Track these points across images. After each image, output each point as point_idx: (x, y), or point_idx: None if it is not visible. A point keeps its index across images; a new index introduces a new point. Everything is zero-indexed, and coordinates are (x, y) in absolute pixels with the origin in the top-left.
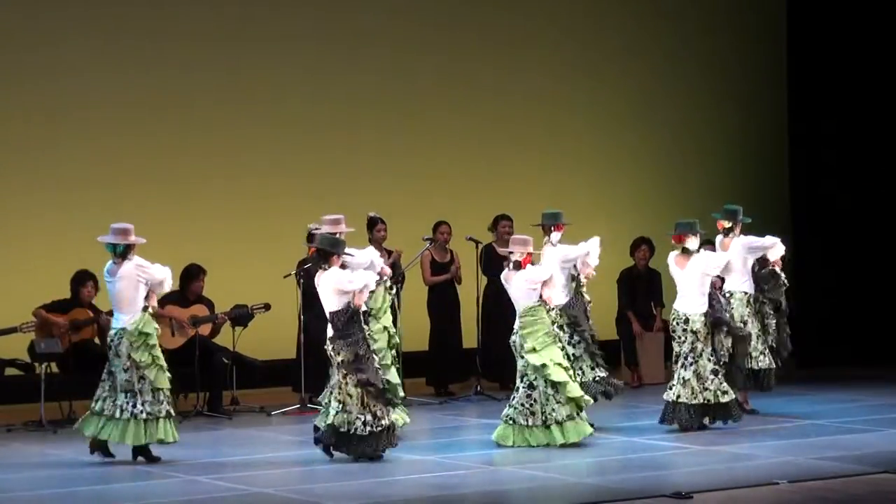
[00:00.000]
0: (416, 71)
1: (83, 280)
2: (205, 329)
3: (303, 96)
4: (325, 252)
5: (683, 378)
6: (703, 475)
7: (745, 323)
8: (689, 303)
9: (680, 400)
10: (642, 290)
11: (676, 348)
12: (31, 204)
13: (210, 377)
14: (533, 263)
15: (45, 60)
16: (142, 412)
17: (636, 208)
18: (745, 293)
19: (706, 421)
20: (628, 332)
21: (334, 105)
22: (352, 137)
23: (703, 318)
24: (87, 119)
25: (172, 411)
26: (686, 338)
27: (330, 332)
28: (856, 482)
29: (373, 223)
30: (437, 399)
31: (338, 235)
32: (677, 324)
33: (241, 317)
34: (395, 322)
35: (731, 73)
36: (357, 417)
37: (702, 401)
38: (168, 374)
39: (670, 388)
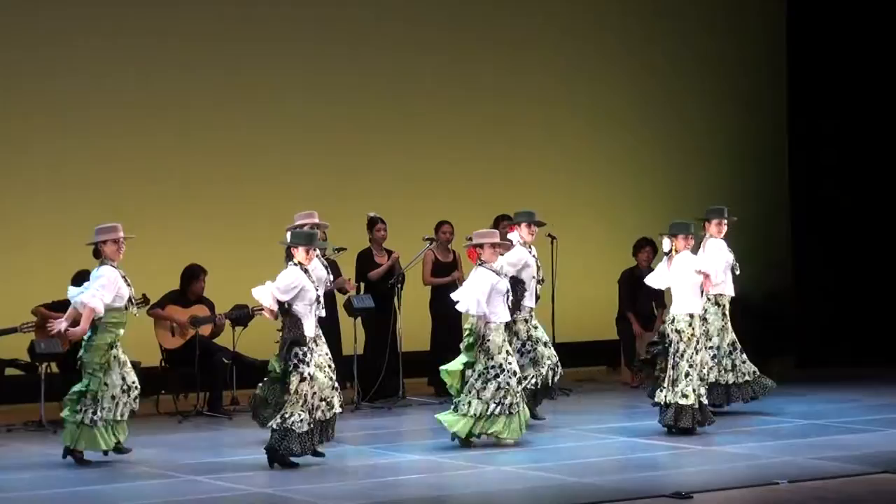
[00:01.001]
0: (416, 72)
1: (83, 282)
2: (205, 329)
3: (303, 97)
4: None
5: (672, 378)
6: (703, 475)
7: (720, 333)
8: (676, 303)
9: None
10: (644, 291)
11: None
12: (30, 204)
13: (210, 377)
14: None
15: (46, 61)
16: (99, 419)
17: (636, 209)
18: (719, 297)
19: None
20: (628, 332)
21: (334, 106)
22: (352, 138)
23: (688, 318)
24: (87, 119)
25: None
26: (672, 338)
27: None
28: (856, 482)
29: (373, 223)
30: (437, 399)
31: (308, 228)
32: (668, 323)
33: (241, 317)
34: (394, 322)
35: (731, 73)
36: (298, 414)
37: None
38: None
39: (660, 391)
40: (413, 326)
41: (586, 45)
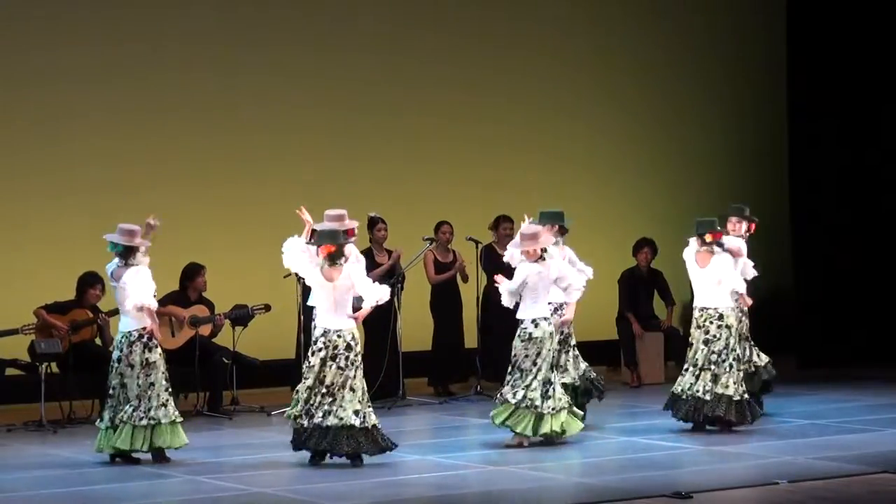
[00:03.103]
0: (415, 73)
1: (92, 283)
2: (205, 329)
3: (303, 98)
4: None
5: (714, 374)
6: (703, 475)
7: (741, 337)
8: (716, 298)
9: (695, 394)
10: (644, 290)
11: (703, 347)
12: (31, 207)
13: (210, 377)
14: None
15: (45, 65)
16: (145, 417)
17: (636, 209)
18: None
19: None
20: (628, 332)
21: (334, 107)
22: (352, 140)
23: (735, 314)
24: (87, 123)
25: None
26: (721, 334)
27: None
28: (856, 482)
29: (373, 223)
30: (437, 399)
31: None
32: (710, 322)
33: (241, 317)
34: (394, 322)
35: (730, 73)
36: (364, 411)
37: (710, 398)
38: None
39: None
40: (413, 326)
41: (586, 47)
